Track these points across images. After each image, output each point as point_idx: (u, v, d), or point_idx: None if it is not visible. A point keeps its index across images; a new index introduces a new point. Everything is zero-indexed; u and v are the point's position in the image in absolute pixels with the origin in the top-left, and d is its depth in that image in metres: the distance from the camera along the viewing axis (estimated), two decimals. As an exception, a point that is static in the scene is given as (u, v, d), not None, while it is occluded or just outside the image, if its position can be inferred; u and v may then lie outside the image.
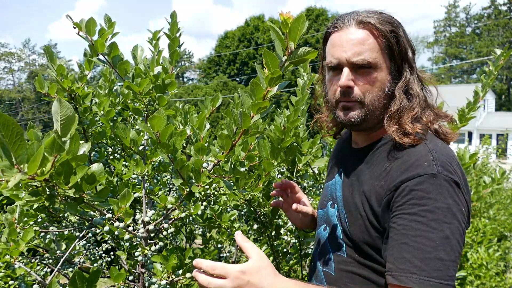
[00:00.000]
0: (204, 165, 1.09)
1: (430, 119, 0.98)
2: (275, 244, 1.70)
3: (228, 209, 1.64)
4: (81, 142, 0.57)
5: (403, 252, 0.81)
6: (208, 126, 1.29)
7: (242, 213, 1.73)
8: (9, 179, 0.46)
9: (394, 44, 0.94)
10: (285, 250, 1.78)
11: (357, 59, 0.93)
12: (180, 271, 1.21)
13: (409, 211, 0.82)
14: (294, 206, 1.20)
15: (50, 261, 1.68)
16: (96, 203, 0.73)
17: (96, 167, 0.63)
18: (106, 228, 1.05)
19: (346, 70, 0.95)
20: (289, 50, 0.78)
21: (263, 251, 1.77)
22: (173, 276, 1.19)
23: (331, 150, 1.42)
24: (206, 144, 1.14)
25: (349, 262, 1.02)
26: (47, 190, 0.56)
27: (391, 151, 0.95)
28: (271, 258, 1.78)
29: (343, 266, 1.03)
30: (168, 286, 1.17)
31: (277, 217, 1.69)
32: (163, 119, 0.94)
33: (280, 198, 1.29)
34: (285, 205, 1.28)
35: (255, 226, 1.68)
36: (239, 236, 0.85)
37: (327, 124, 1.18)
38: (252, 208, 1.59)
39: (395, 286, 0.82)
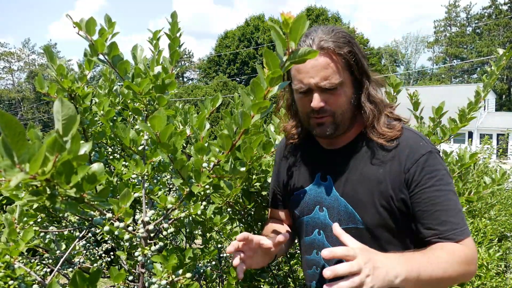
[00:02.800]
0: (204, 165, 1.09)
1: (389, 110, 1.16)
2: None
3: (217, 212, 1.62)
4: (81, 142, 0.57)
5: (440, 217, 1.01)
6: (208, 126, 1.29)
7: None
8: (11, 178, 0.46)
9: (353, 64, 1.06)
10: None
11: (325, 83, 1.04)
12: (180, 271, 1.21)
13: (427, 185, 1.02)
14: (264, 245, 1.06)
15: (50, 261, 1.68)
16: (96, 203, 0.72)
17: (96, 167, 0.63)
18: (106, 228, 1.05)
19: (316, 95, 1.06)
20: (290, 50, 0.77)
21: None
22: (173, 276, 1.18)
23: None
24: (206, 144, 1.14)
25: None
26: (48, 190, 0.56)
27: (379, 142, 1.10)
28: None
29: None
30: (168, 286, 1.17)
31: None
32: (164, 119, 0.94)
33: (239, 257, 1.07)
34: (248, 260, 1.08)
35: (236, 228, 1.65)
36: (337, 228, 0.92)
37: (290, 132, 1.27)
38: (235, 210, 1.58)
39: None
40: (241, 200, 1.54)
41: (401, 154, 1.06)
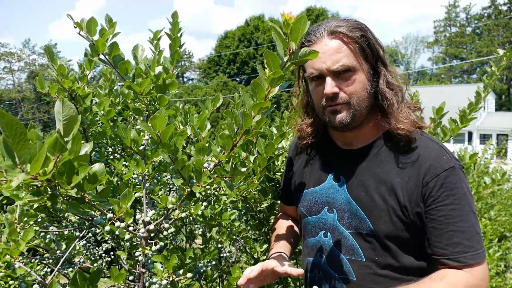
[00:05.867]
0: (205, 165, 1.09)
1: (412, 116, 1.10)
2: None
3: (228, 209, 1.64)
4: (82, 142, 0.57)
5: (453, 238, 0.96)
6: (209, 126, 1.29)
7: (243, 212, 1.72)
8: (12, 179, 0.46)
9: (366, 47, 1.02)
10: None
11: (337, 66, 1.01)
12: (181, 271, 1.21)
13: (445, 202, 0.97)
14: (278, 272, 1.06)
15: (50, 261, 1.68)
16: (97, 203, 0.72)
17: (97, 167, 0.63)
18: (107, 228, 1.05)
19: (329, 79, 1.03)
20: (291, 51, 0.77)
21: (262, 250, 1.77)
22: (174, 276, 1.18)
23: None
24: (207, 144, 1.14)
25: (370, 266, 1.05)
26: (49, 190, 0.56)
27: (400, 149, 1.05)
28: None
29: (364, 271, 1.06)
30: (168, 286, 1.17)
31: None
32: (165, 119, 0.94)
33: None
34: (258, 284, 1.09)
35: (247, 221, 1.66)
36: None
37: (305, 131, 1.23)
38: (248, 205, 1.58)
39: (454, 267, 0.97)
40: (256, 196, 1.54)
41: (422, 166, 1.00)
